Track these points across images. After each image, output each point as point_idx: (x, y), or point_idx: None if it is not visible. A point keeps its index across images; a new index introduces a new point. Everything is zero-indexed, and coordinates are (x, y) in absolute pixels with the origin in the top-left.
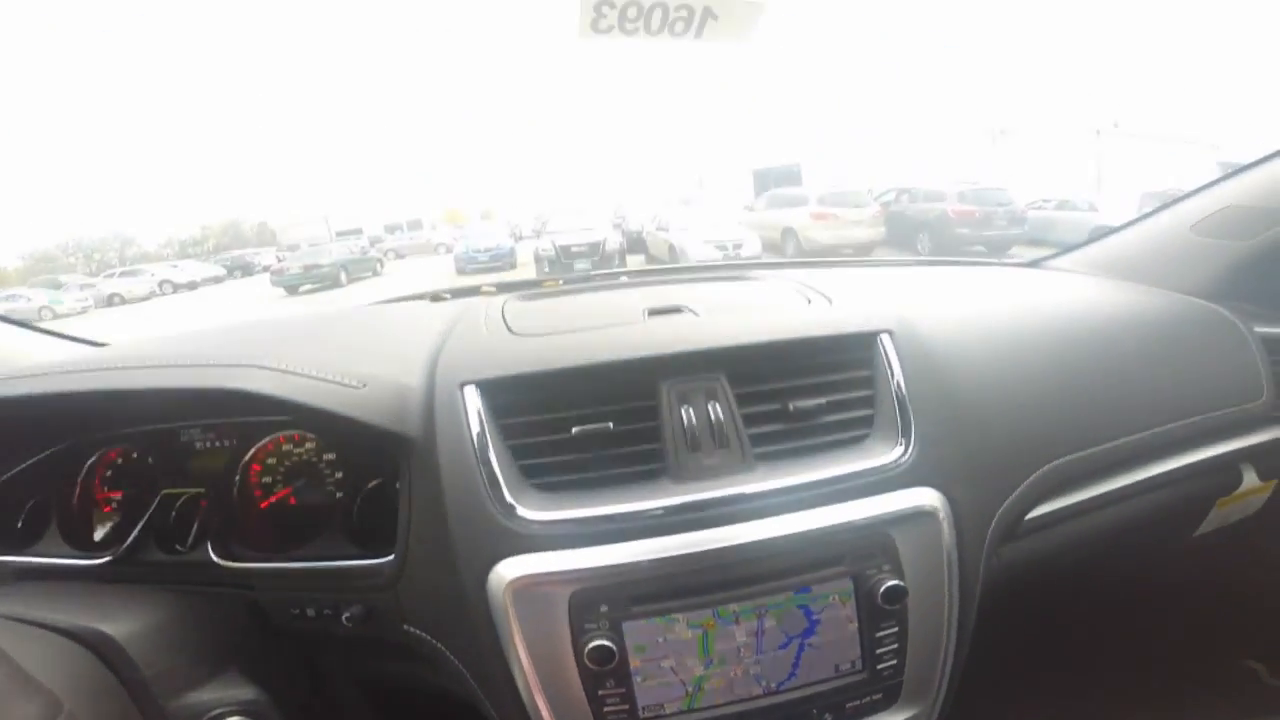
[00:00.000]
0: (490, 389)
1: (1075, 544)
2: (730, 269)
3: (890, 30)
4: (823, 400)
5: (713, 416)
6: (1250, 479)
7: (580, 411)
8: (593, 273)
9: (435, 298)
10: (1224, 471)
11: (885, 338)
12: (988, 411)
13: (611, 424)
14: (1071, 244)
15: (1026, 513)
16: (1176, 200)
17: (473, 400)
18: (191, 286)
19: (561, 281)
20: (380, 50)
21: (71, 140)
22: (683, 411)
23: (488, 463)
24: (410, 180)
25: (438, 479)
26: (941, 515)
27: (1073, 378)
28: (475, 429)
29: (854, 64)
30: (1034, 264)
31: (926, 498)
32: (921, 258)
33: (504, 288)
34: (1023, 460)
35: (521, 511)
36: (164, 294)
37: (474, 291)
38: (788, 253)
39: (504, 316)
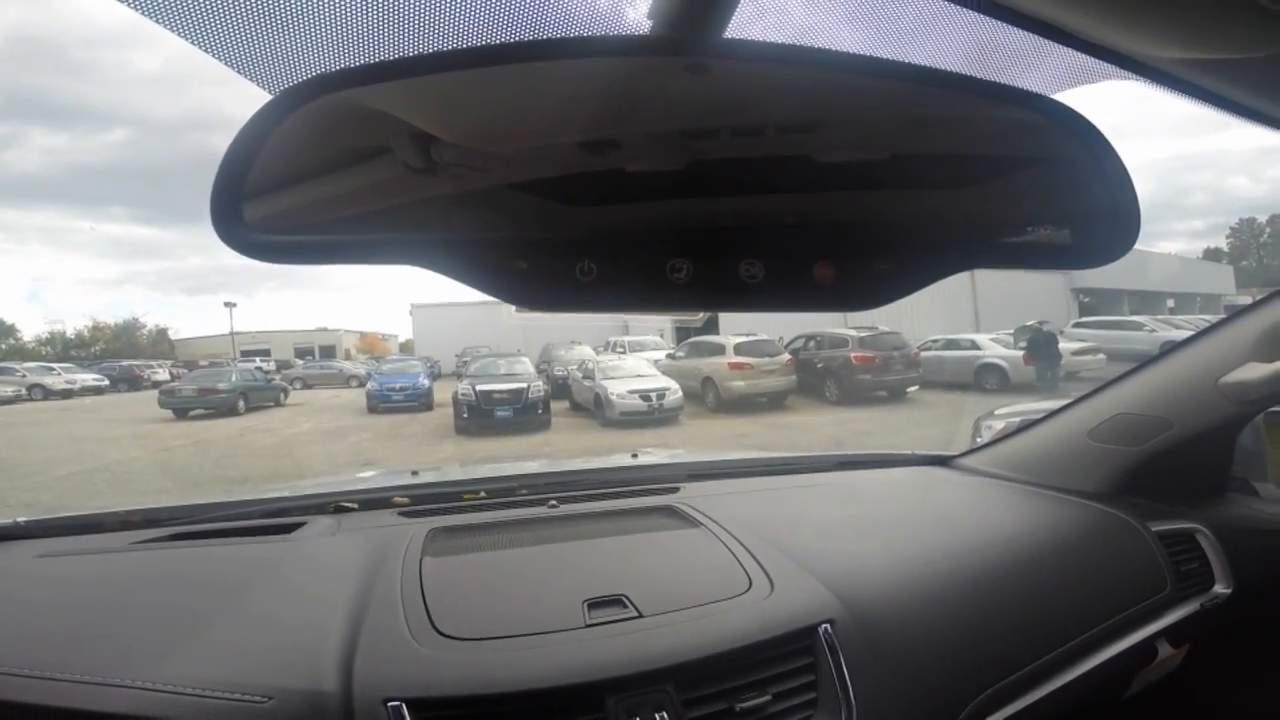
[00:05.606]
0: (419, 708)
1: None
2: (653, 481)
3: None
4: (768, 696)
5: None
6: (1165, 649)
7: None
8: (516, 479)
9: (338, 508)
10: (1141, 649)
11: (826, 627)
12: (922, 658)
13: None
14: (960, 383)
15: None
16: (1074, 402)
17: None
18: (66, 395)
19: (483, 493)
20: None
21: None
22: None
23: None
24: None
25: None
26: None
27: (997, 605)
28: None
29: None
30: (946, 462)
31: None
32: (839, 454)
33: (417, 498)
34: (958, 694)
35: None
36: (33, 399)
37: (385, 502)
38: (708, 401)
39: (424, 590)
